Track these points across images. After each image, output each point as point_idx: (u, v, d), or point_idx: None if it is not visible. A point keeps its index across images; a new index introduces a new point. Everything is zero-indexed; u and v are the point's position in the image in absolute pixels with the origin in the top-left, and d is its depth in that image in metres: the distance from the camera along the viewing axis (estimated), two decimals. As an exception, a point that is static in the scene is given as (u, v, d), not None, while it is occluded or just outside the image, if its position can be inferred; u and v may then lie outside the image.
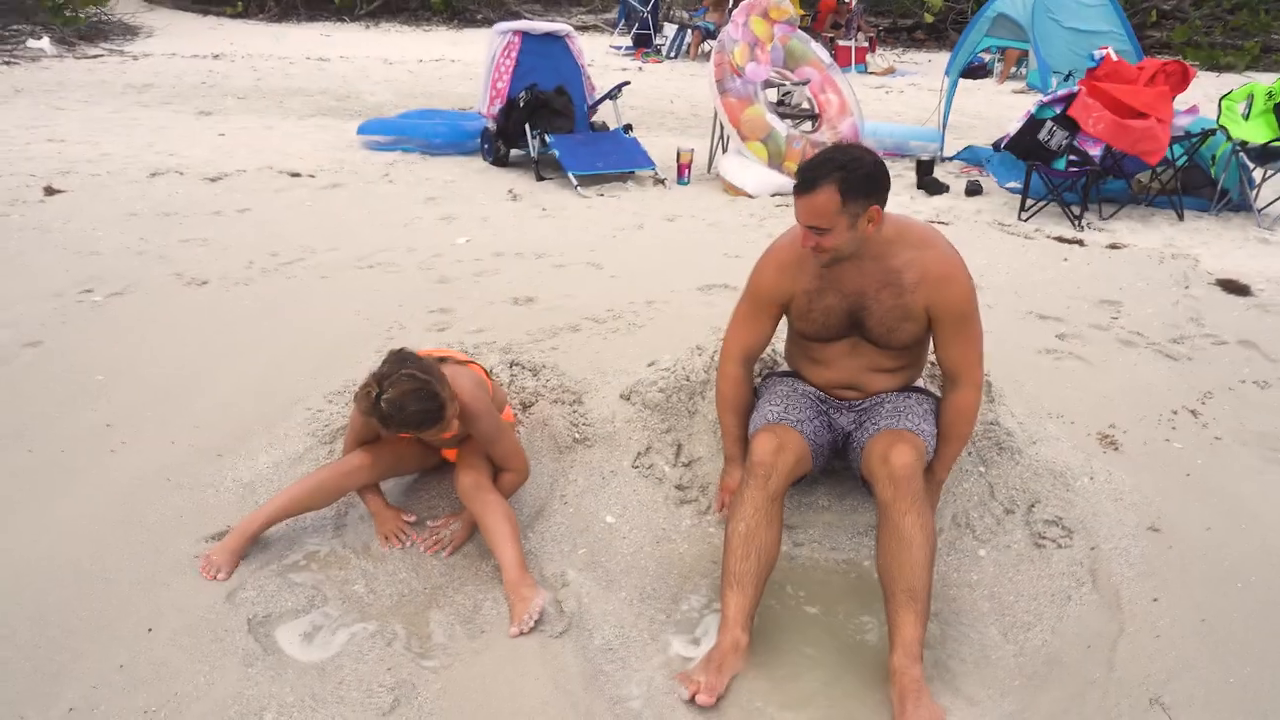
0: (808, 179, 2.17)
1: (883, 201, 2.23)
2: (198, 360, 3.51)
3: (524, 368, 3.29)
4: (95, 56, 12.97)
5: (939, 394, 2.64)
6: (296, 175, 6.39)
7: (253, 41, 15.35)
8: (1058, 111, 5.36)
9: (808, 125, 6.64)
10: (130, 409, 3.14)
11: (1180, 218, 5.72)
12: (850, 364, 2.53)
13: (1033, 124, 5.41)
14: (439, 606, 2.33)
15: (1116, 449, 3.00)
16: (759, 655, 2.17)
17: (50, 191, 5.70)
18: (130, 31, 15.65)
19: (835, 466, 2.76)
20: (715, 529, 2.66)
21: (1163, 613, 2.29)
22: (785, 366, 2.87)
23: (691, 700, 1.99)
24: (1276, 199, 5.87)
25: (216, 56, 13.30)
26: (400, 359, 2.29)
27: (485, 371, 2.73)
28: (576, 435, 2.98)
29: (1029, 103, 6.06)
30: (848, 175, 2.14)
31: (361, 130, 7.47)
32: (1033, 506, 2.69)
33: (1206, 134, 5.47)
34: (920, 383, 2.70)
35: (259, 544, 2.46)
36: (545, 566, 2.47)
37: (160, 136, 7.60)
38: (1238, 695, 2.04)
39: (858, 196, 2.16)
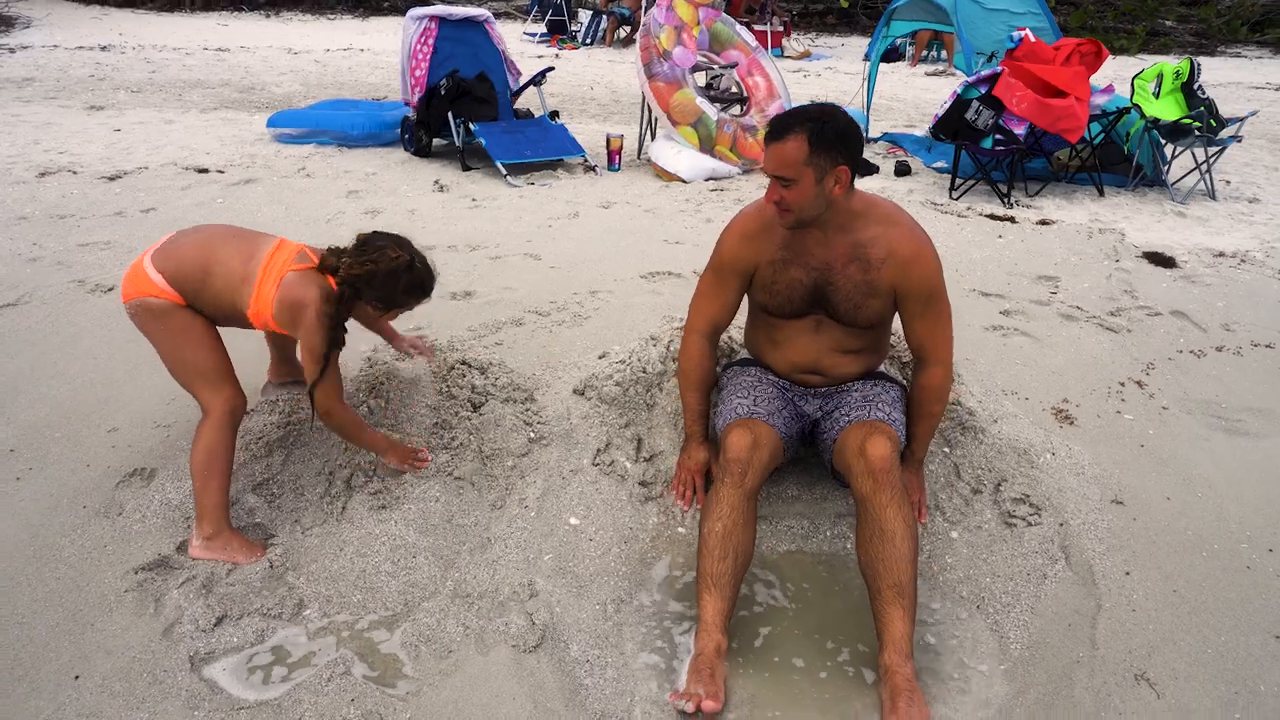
0: (779, 128, 2.12)
1: (853, 166, 2.17)
2: (110, 372, 3.22)
3: (470, 366, 3.12)
4: (-34, 49, 12.02)
5: (903, 381, 2.60)
6: (204, 171, 6.00)
7: (143, 31, 14.49)
8: (983, 91, 5.44)
9: (736, 109, 6.59)
10: (34, 430, 2.85)
11: (1100, 193, 5.90)
12: (813, 344, 2.46)
13: (959, 104, 5.48)
14: (398, 626, 2.16)
15: (1072, 423, 3.03)
16: (739, 656, 2.09)
17: (-76, 196, 5.22)
18: (4, 23, 14.56)
19: (801, 454, 2.70)
20: (684, 526, 2.57)
21: (1136, 586, 2.30)
22: (744, 354, 2.79)
23: (696, 712, 1.89)
24: (1186, 174, 6.11)
25: (104, 48, 12.48)
26: (374, 241, 2.33)
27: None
28: (532, 435, 2.84)
29: (943, 84, 6.15)
30: (819, 127, 2.09)
31: (272, 123, 7.07)
32: (999, 485, 2.68)
33: (1122, 112, 5.64)
34: (883, 368, 2.66)
35: (191, 569, 2.26)
36: (511, 576, 2.33)
37: (47, 134, 7.04)
38: (1217, 664, 2.06)
39: (827, 150, 2.11)
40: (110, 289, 3.94)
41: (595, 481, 2.69)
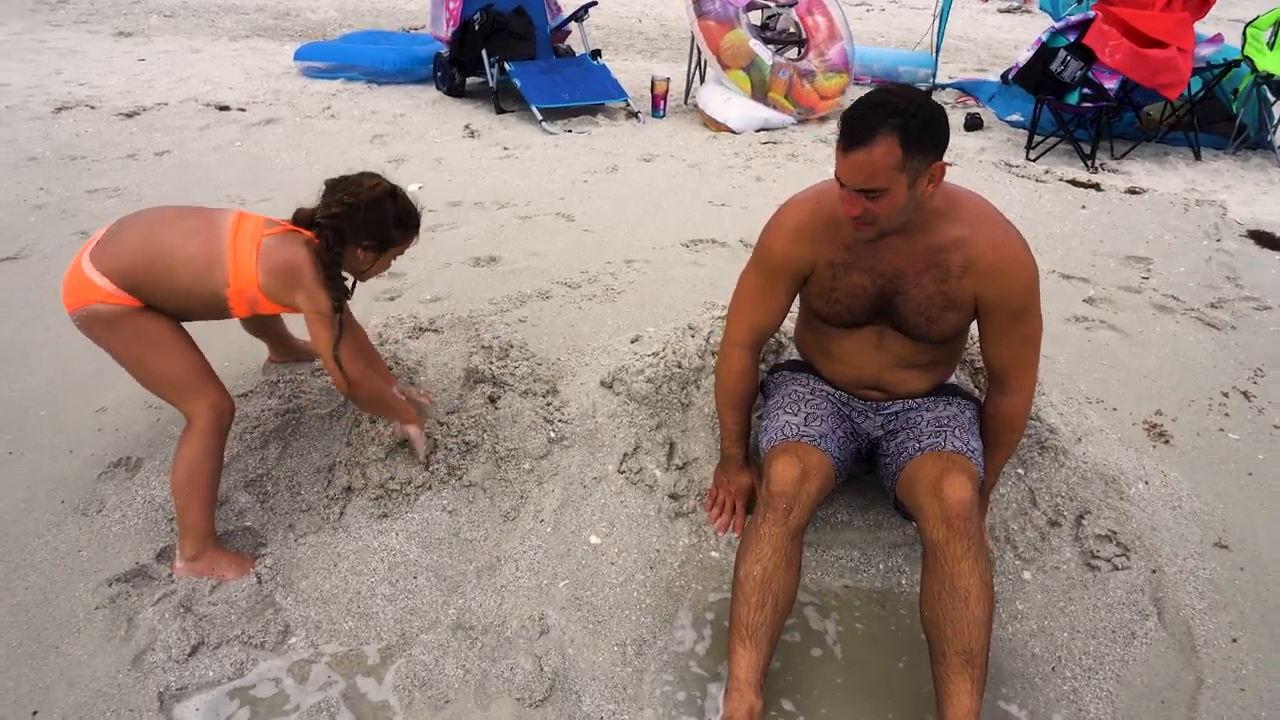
0: (861, 128, 1.70)
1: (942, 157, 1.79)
2: (103, 343, 2.98)
3: (490, 351, 2.82)
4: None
5: (977, 394, 2.25)
6: (225, 109, 5.69)
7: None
8: (1071, 40, 4.87)
9: (793, 52, 6.07)
10: (18, 407, 2.63)
11: (1197, 157, 5.33)
12: (874, 359, 2.12)
13: (1044, 53, 4.91)
14: (392, 663, 1.92)
15: (1167, 442, 2.66)
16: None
17: (-67, 130, 5.01)
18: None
19: (854, 472, 2.37)
20: (718, 550, 2.28)
21: (1245, 657, 1.97)
22: (794, 352, 2.45)
23: None
24: (1294, 136, 5.50)
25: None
26: (346, 182, 2.07)
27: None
28: (552, 434, 2.56)
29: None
30: (908, 122, 1.68)
31: (299, 55, 6.72)
32: (1082, 518, 2.34)
33: (1230, 65, 5.02)
34: (953, 378, 2.31)
35: (170, 583, 2.04)
36: (520, 606, 2.06)
37: (70, 63, 6.78)
38: (1347, 768, 1.73)
39: (921, 150, 1.72)
40: (114, 243, 3.70)
41: (620, 492, 2.40)
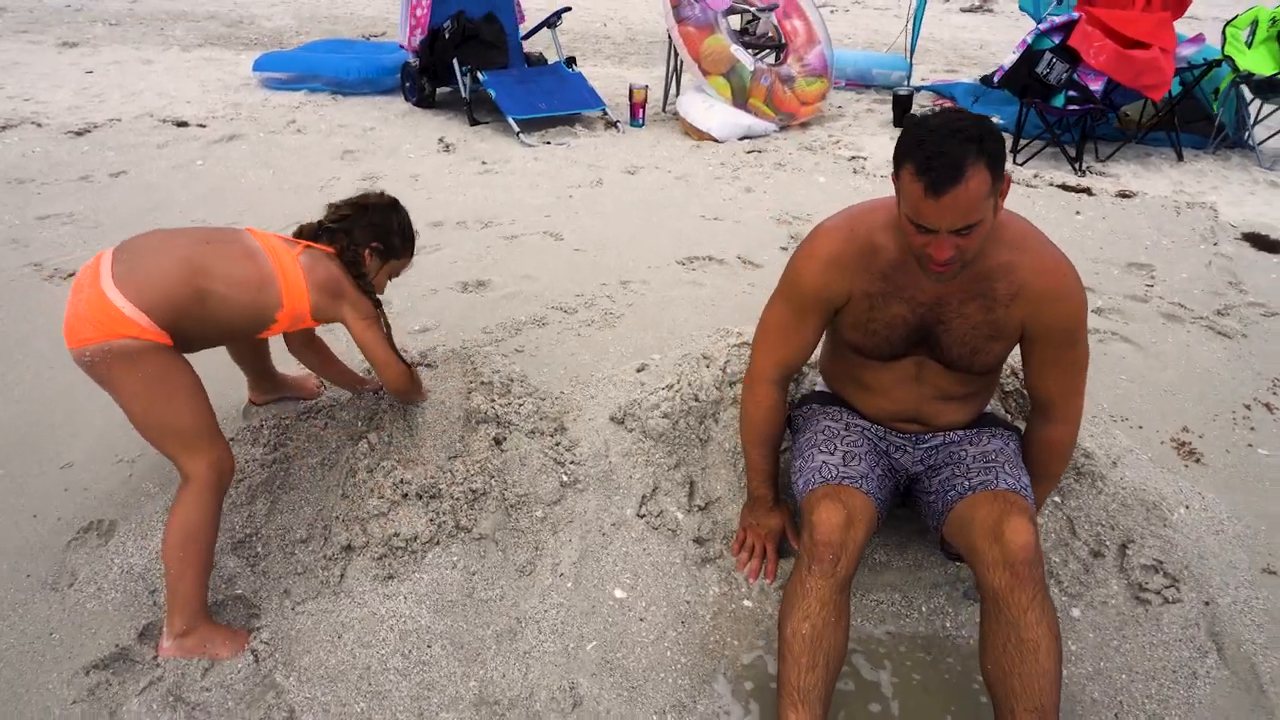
0: (948, 165, 1.53)
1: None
2: (68, 384, 2.71)
3: (490, 387, 2.65)
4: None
5: (1003, 413, 2.13)
6: (183, 125, 5.40)
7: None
8: (1056, 42, 4.82)
9: (772, 57, 5.96)
10: (-30, 467, 2.40)
11: (1180, 157, 5.32)
12: (913, 391, 1.99)
13: (1029, 55, 4.86)
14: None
15: (1198, 461, 2.58)
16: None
17: None
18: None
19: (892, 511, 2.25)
20: (750, 599, 2.14)
21: (1315, 696, 1.87)
22: (819, 382, 2.32)
23: None
24: (1271, 135, 5.52)
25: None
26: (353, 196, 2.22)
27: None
28: (564, 477, 2.39)
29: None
30: (986, 142, 1.55)
31: (258, 66, 6.43)
32: (1125, 547, 2.25)
33: (1211, 65, 5.02)
34: (990, 406, 2.19)
35: (156, 668, 1.84)
36: (547, 675, 1.90)
37: (13, 76, 6.41)
38: None
39: (999, 170, 1.60)
40: (70, 275, 3.44)
41: (642, 539, 2.25)
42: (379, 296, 2.19)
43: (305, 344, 2.36)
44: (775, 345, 2.04)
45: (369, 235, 2.11)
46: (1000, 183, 1.61)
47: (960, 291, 1.82)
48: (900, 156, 1.62)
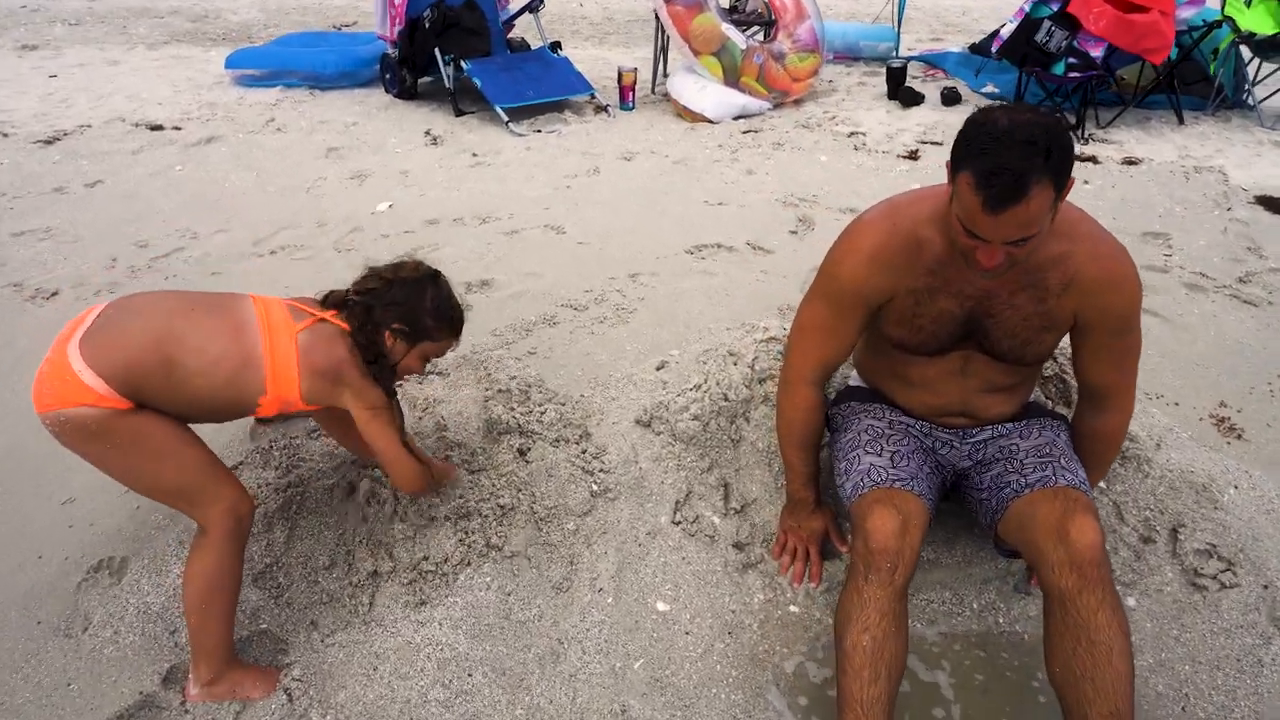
0: (1011, 182, 1.45)
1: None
2: (59, 417, 2.59)
3: (509, 394, 2.54)
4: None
5: (1044, 400, 2.06)
6: (158, 128, 5.19)
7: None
8: (1054, 9, 4.72)
9: (762, 34, 5.82)
10: (-37, 507, 2.27)
11: (1180, 120, 5.25)
12: (959, 385, 1.91)
13: (1028, 24, 4.77)
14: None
15: (1240, 437, 2.52)
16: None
17: None
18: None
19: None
20: (796, 605, 2.06)
21: (1390, 681, 1.82)
22: (854, 376, 2.23)
23: None
24: (1271, 94, 5.45)
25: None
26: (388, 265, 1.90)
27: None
28: (594, 486, 2.29)
29: None
30: (1054, 156, 1.46)
31: (231, 63, 6.22)
32: (1176, 532, 2.18)
33: (1211, 26, 4.94)
34: (1035, 394, 2.12)
35: (185, 714, 1.74)
36: (597, 699, 1.81)
37: (-27, 84, 6.18)
38: None
39: (1066, 176, 1.51)
40: (53, 293, 3.28)
41: (679, 547, 2.16)
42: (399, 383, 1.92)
43: (328, 412, 2.07)
44: (814, 346, 1.94)
45: (392, 315, 1.81)
46: (1062, 189, 1.52)
47: (1010, 284, 1.74)
48: (959, 160, 1.53)
